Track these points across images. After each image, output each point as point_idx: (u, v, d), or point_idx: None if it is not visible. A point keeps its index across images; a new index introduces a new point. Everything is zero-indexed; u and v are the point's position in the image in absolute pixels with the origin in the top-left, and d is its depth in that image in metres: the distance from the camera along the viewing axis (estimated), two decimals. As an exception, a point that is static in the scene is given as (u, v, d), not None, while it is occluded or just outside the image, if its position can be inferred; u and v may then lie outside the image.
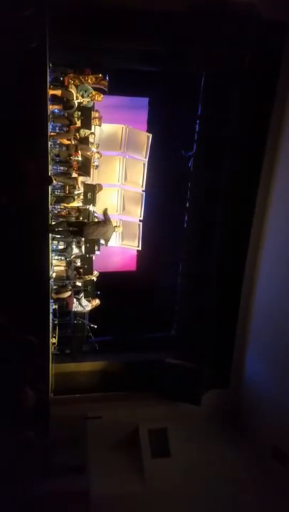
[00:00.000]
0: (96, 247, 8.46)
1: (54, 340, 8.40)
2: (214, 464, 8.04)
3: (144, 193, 9.97)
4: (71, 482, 7.33)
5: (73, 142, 7.97)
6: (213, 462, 8.08)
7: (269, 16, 7.29)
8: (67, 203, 8.18)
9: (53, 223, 7.81)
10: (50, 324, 8.06)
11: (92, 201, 8.32)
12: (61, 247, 8.41)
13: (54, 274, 8.18)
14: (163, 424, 8.55)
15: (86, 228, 7.70)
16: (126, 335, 10.12)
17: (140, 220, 10.05)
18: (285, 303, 7.92)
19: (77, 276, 8.44)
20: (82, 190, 8.30)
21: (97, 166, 8.72)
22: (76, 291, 8.30)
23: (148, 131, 9.84)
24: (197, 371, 8.88)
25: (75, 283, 8.39)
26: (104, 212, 8.00)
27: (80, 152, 7.97)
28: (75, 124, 7.88)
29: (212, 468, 7.96)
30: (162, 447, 8.27)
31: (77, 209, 8.31)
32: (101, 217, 8.55)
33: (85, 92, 7.73)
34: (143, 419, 8.57)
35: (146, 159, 9.73)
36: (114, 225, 8.31)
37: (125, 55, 8.19)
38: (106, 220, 7.92)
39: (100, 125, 8.61)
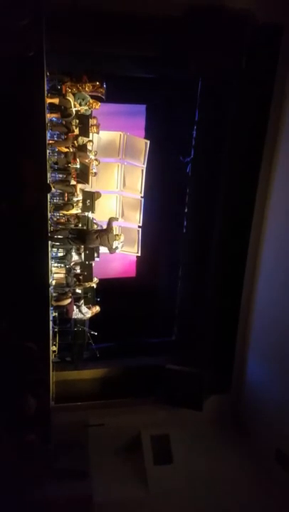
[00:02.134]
0: (96, 254, 8.47)
1: (54, 348, 8.39)
2: (217, 470, 8.00)
3: (142, 199, 10.01)
4: (73, 488, 7.30)
5: (71, 150, 8.01)
6: (215, 468, 8.03)
7: (264, 21, 7.33)
8: (67, 210, 8.20)
9: (53, 230, 7.82)
10: (51, 332, 8.05)
11: (91, 208, 8.35)
12: (61, 254, 8.42)
13: (54, 282, 8.18)
14: (165, 430, 8.52)
15: (88, 236, 7.73)
16: (127, 341, 10.11)
17: (139, 226, 10.09)
18: (284, 307, 7.91)
19: (77, 283, 8.44)
20: (81, 197, 8.32)
21: (95, 173, 8.76)
22: (76, 298, 8.30)
23: (146, 137, 9.91)
24: (198, 376, 8.85)
25: (74, 290, 8.39)
26: (110, 221, 7.88)
27: (78, 159, 8.01)
28: (73, 131, 7.93)
29: (215, 474, 7.92)
30: (164, 453, 8.24)
31: (76, 216, 8.33)
32: (100, 223, 8.59)
33: (83, 100, 7.79)
34: (145, 425, 8.54)
35: (145, 165, 9.78)
36: (115, 233, 8.33)
37: (123, 62, 8.23)
38: (108, 228, 7.88)
39: (98, 132, 8.67)
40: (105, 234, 7.75)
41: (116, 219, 8.10)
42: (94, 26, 7.13)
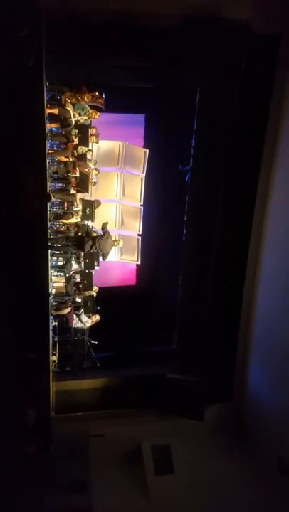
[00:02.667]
0: (95, 262, 8.47)
1: (54, 358, 8.36)
2: (219, 480, 7.94)
3: (142, 208, 10.04)
4: (74, 500, 7.22)
5: (71, 159, 8.05)
6: (217, 478, 7.97)
7: (261, 29, 7.42)
8: (66, 219, 8.22)
9: (52, 238, 7.84)
10: (50, 341, 8.02)
11: (91, 217, 8.36)
12: (60, 263, 8.42)
13: (53, 291, 8.17)
14: (166, 440, 8.46)
15: (86, 242, 7.76)
16: (127, 350, 10.06)
17: (139, 235, 10.09)
18: (285, 313, 7.90)
19: (77, 292, 8.42)
20: (80, 206, 8.34)
21: (95, 182, 8.78)
22: (76, 307, 8.28)
23: (145, 146, 9.95)
24: (199, 385, 8.81)
25: (74, 299, 8.37)
26: (103, 227, 8.11)
27: (77, 169, 8.05)
28: (73, 141, 7.97)
29: (216, 483, 7.85)
30: (166, 464, 8.17)
31: (76, 225, 8.34)
32: (100, 232, 8.58)
33: (82, 110, 7.85)
34: (146, 435, 8.48)
35: (144, 174, 9.82)
36: (114, 239, 8.37)
37: (122, 72, 8.30)
38: (105, 233, 7.99)
39: (97, 142, 8.71)
40: (102, 240, 7.81)
41: (107, 223, 8.25)
42: (93, 37, 7.21)
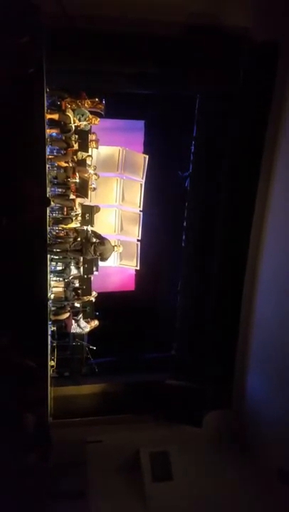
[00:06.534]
0: (94, 268, 8.47)
1: (53, 363, 8.33)
2: (217, 487, 7.89)
3: (141, 213, 10.05)
4: (72, 508, 7.17)
5: (71, 165, 8.07)
6: (216, 485, 7.92)
7: (261, 37, 7.49)
8: (66, 224, 8.23)
9: (52, 243, 7.84)
10: (49, 347, 8.00)
11: (90, 222, 8.38)
12: (59, 268, 8.42)
13: (52, 296, 8.16)
14: (164, 447, 8.41)
15: (86, 248, 7.77)
16: (126, 356, 10.03)
17: (138, 240, 10.10)
18: (285, 320, 7.88)
19: (76, 297, 8.42)
20: (80, 211, 8.35)
21: (94, 188, 8.80)
22: (75, 313, 8.27)
23: (144, 152, 9.99)
24: (198, 392, 8.77)
25: (73, 304, 8.36)
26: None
27: (77, 174, 8.07)
28: (73, 146, 8.01)
29: (215, 491, 7.80)
30: (164, 471, 8.12)
31: (75, 230, 8.35)
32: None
33: (82, 116, 7.90)
34: (144, 442, 8.43)
35: (143, 180, 9.84)
36: (113, 244, 8.37)
37: (122, 79, 8.34)
38: (103, 239, 8.03)
39: (97, 147, 8.75)
40: (102, 245, 7.82)
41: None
42: (93, 44, 7.26)
